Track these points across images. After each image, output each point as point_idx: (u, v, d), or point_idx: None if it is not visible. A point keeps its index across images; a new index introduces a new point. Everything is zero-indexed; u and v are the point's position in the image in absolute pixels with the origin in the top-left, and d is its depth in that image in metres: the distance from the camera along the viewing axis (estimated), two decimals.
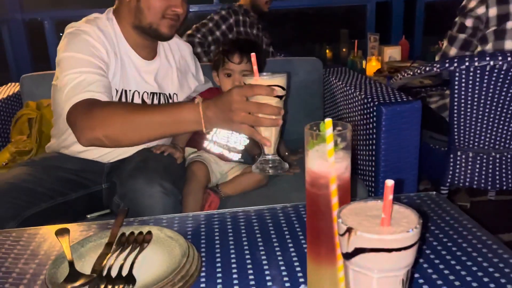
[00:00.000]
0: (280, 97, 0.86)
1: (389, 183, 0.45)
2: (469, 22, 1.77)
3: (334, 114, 1.81)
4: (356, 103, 1.49)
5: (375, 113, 1.32)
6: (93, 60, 1.18)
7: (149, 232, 0.80)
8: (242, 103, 0.88)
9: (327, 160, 0.54)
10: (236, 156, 1.49)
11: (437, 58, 1.95)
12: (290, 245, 0.81)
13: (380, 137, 1.28)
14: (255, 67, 0.89)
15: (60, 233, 0.80)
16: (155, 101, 1.38)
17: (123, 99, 1.31)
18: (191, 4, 3.33)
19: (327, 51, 3.29)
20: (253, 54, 0.90)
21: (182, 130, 1.04)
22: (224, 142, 1.43)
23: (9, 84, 1.97)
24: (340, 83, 1.70)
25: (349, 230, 0.45)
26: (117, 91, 1.29)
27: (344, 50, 3.20)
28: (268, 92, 0.85)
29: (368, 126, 1.38)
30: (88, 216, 1.31)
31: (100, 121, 1.02)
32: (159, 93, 1.39)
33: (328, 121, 0.54)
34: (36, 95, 1.68)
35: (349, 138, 0.56)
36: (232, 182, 1.43)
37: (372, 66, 2.78)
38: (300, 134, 1.73)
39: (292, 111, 1.84)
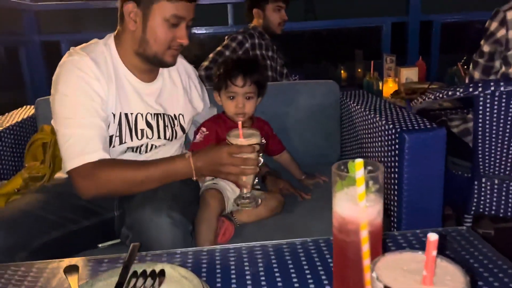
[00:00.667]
0: (257, 151, 1.17)
1: (432, 237, 0.41)
2: (487, 48, 1.74)
3: (352, 139, 1.76)
4: (376, 129, 1.45)
5: (397, 140, 1.27)
6: (87, 102, 1.20)
7: (162, 270, 0.75)
8: (230, 159, 1.17)
9: (357, 204, 0.50)
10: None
11: (467, 80, 1.90)
12: (312, 286, 0.75)
13: (403, 165, 1.23)
14: (240, 132, 1.16)
15: (68, 270, 0.76)
16: (160, 122, 1.36)
17: (124, 123, 1.30)
18: (205, 26, 3.35)
19: (342, 71, 3.26)
20: (239, 122, 1.17)
21: (175, 180, 1.23)
22: None
23: (25, 107, 1.97)
24: (358, 107, 1.66)
25: None
26: (114, 116, 1.28)
27: (359, 70, 3.16)
28: (252, 150, 1.16)
29: (389, 154, 1.33)
30: (100, 246, 1.27)
31: (102, 183, 1.17)
32: (163, 114, 1.38)
33: (359, 162, 0.49)
34: (51, 118, 1.64)
35: (382, 181, 0.51)
36: (247, 210, 1.38)
37: (389, 87, 2.74)
38: (316, 158, 1.76)
39: (309, 134, 1.82)
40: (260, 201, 1.27)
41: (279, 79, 2.48)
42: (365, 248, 0.50)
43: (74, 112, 1.19)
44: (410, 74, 2.91)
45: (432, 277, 0.41)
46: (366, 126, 1.55)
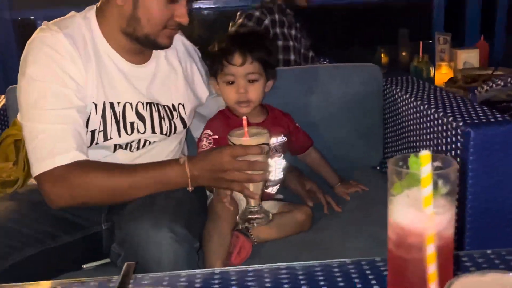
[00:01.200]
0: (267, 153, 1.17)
1: None
2: None
3: (399, 137, 1.74)
4: (431, 123, 1.42)
5: (459, 137, 1.24)
6: (58, 89, 1.20)
7: None
8: (234, 163, 1.15)
9: (422, 210, 0.48)
10: (275, 188, 1.46)
11: None
12: None
13: (467, 168, 1.20)
14: (245, 129, 1.16)
15: None
16: (154, 113, 1.36)
17: (110, 114, 1.29)
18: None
19: (382, 55, 3.23)
20: (244, 118, 1.17)
21: (167, 189, 1.22)
22: None
23: None
24: (407, 96, 1.63)
25: None
26: (96, 106, 1.27)
27: (404, 54, 3.13)
28: (259, 151, 1.14)
29: (449, 154, 1.30)
30: (84, 266, 1.27)
31: (76, 191, 1.18)
32: (157, 104, 1.38)
33: (426, 154, 0.47)
34: None
35: (454, 180, 0.49)
36: (268, 224, 1.36)
37: (442, 74, 2.71)
38: (352, 162, 1.74)
39: (343, 131, 1.81)
40: (271, 216, 1.26)
41: (303, 63, 2.45)
42: (432, 268, 0.48)
43: (43, 102, 1.19)
44: (469, 57, 2.88)
45: None
46: (418, 121, 1.53)
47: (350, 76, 1.79)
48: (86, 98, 1.25)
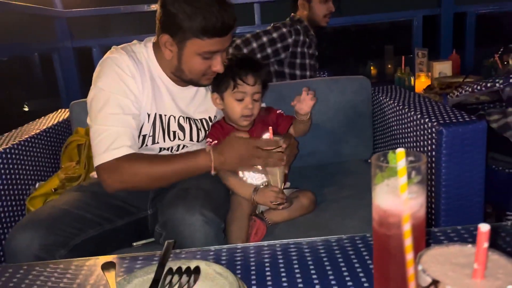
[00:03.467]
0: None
1: (484, 228, 0.39)
2: None
3: (384, 136, 1.73)
4: (411, 123, 1.41)
5: (434, 135, 1.23)
6: (120, 98, 1.22)
7: (197, 267, 0.76)
8: (256, 151, 1.24)
9: (399, 196, 0.48)
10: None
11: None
12: (350, 283, 0.74)
13: (440, 161, 1.19)
14: (271, 134, 1.29)
15: (106, 267, 0.78)
16: (193, 126, 1.38)
17: (158, 124, 1.31)
18: None
19: (372, 68, 3.20)
20: (270, 128, 1.29)
21: (196, 174, 1.26)
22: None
23: (59, 110, 2.03)
24: (391, 102, 1.62)
25: (435, 283, 0.39)
26: (149, 116, 1.30)
27: (389, 66, 3.14)
28: (276, 144, 1.26)
29: (425, 149, 1.29)
30: (134, 244, 1.29)
31: (127, 177, 1.19)
32: (195, 119, 1.39)
33: (401, 151, 0.47)
34: (85, 121, 1.67)
35: (424, 171, 0.49)
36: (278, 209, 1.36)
37: (421, 82, 2.68)
38: (348, 156, 1.75)
39: (340, 132, 1.80)
40: (292, 201, 1.31)
41: (314, 75, 2.39)
42: (408, 242, 0.48)
43: (107, 108, 1.21)
44: (443, 68, 2.83)
45: (483, 271, 0.39)
46: (401, 121, 1.51)
47: (345, 87, 1.78)
48: (141, 108, 1.27)
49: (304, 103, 1.39)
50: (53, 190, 1.43)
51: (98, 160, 1.20)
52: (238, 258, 0.85)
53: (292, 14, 2.37)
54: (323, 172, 1.73)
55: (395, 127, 1.58)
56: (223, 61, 1.29)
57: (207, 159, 1.23)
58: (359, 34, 4.29)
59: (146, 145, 1.32)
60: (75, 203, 1.19)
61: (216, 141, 1.40)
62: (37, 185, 1.49)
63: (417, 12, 3.40)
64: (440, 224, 1.22)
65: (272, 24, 2.28)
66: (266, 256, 0.85)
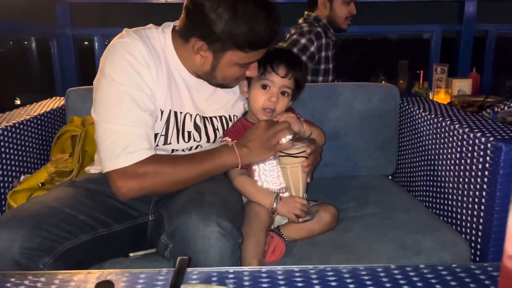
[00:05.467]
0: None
1: None
2: None
3: (413, 150, 1.58)
4: (453, 138, 1.26)
5: (488, 152, 1.08)
6: (134, 92, 1.07)
7: None
8: (270, 130, 1.16)
9: None
10: None
11: None
12: None
13: (496, 182, 1.03)
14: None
15: (102, 287, 0.60)
16: (208, 126, 1.24)
17: (173, 122, 1.17)
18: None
19: (383, 82, 3.08)
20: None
21: (222, 171, 1.18)
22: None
23: (54, 98, 1.86)
24: (426, 113, 1.47)
25: None
26: (162, 112, 1.15)
27: (401, 82, 2.98)
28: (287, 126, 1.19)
29: (474, 167, 1.14)
30: (131, 255, 1.13)
31: (149, 183, 1.07)
32: (212, 117, 1.25)
33: None
34: (82, 110, 1.55)
35: None
36: (296, 224, 1.21)
37: (440, 99, 2.55)
38: (369, 169, 1.60)
39: (362, 142, 1.67)
40: (315, 215, 1.20)
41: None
42: None
43: (119, 103, 1.06)
44: (463, 86, 2.71)
45: None
46: (438, 135, 1.37)
47: (372, 94, 1.64)
48: (155, 102, 1.13)
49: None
50: (40, 184, 1.26)
51: (112, 164, 1.05)
52: (265, 284, 0.69)
53: (307, 12, 2.23)
54: (341, 185, 1.59)
55: (429, 141, 1.44)
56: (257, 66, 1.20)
57: (232, 154, 1.13)
58: (373, 46, 4.18)
59: (157, 145, 1.17)
60: (67, 201, 1.03)
61: (235, 141, 1.24)
62: (21, 177, 1.32)
63: (437, 27, 3.30)
64: (487, 257, 1.07)
65: (287, 34, 2.15)
66: (299, 283, 0.69)
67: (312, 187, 1.46)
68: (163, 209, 1.11)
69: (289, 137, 1.19)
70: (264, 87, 1.24)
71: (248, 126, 1.27)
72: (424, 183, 1.47)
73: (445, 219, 1.33)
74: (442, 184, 1.34)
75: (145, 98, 1.08)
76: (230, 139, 1.24)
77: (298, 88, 1.30)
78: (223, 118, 1.27)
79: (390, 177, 1.74)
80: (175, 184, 1.09)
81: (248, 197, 1.23)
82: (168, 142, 1.18)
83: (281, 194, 1.22)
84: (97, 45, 3.01)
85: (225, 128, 1.29)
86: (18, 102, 3.65)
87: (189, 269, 0.74)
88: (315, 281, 0.70)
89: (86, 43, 3.36)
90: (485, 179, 1.08)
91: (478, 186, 1.13)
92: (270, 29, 1.05)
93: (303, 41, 2.03)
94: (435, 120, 1.39)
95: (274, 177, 1.26)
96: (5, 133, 1.34)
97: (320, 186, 1.56)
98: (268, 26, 1.05)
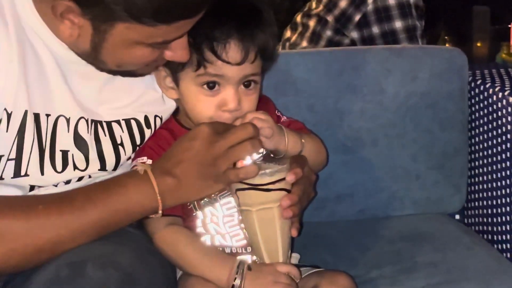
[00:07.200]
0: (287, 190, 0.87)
1: None
2: None
3: (499, 167, 1.09)
4: None
5: None
6: None
7: None
8: (231, 152, 0.85)
9: None
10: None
11: None
12: None
13: None
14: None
15: None
16: (104, 137, 0.91)
17: (31, 132, 0.85)
18: None
19: (447, 45, 2.42)
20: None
21: (128, 222, 0.84)
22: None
23: None
24: None
25: None
26: (9, 116, 0.83)
27: (479, 44, 2.38)
28: (250, 133, 0.84)
29: None
30: None
31: None
32: (109, 122, 0.92)
33: None
34: None
35: None
36: None
37: None
38: (417, 206, 1.22)
39: (404, 157, 1.17)
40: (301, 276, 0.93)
41: None
42: None
43: None
44: None
45: None
46: None
47: (417, 65, 1.14)
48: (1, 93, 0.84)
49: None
50: None
51: None
52: None
53: None
54: (366, 235, 1.13)
55: None
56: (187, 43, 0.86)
57: (145, 189, 0.83)
58: None
59: (2, 178, 0.84)
60: None
61: (151, 161, 0.98)
62: None
63: None
64: None
65: None
66: None
67: (311, 236, 1.07)
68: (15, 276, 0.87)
69: (257, 155, 0.90)
70: (210, 86, 0.89)
71: (180, 134, 0.96)
72: None
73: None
74: None
75: None
76: (146, 160, 0.92)
77: (268, 59, 0.94)
78: (132, 122, 0.94)
79: (457, 217, 1.30)
80: (36, 253, 0.81)
81: (185, 268, 0.92)
82: (23, 173, 0.87)
83: (248, 259, 0.90)
84: None
85: (139, 140, 0.95)
86: None
87: None
88: None
89: None
90: None
91: None
92: None
93: None
94: None
95: (234, 226, 0.94)
96: None
97: (326, 238, 1.13)
98: None
